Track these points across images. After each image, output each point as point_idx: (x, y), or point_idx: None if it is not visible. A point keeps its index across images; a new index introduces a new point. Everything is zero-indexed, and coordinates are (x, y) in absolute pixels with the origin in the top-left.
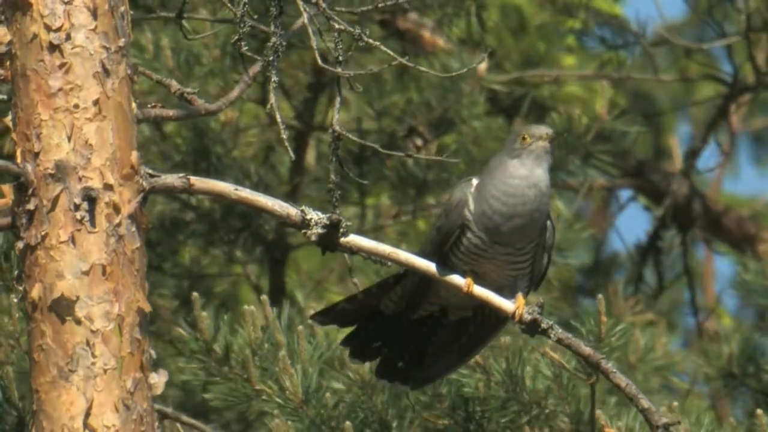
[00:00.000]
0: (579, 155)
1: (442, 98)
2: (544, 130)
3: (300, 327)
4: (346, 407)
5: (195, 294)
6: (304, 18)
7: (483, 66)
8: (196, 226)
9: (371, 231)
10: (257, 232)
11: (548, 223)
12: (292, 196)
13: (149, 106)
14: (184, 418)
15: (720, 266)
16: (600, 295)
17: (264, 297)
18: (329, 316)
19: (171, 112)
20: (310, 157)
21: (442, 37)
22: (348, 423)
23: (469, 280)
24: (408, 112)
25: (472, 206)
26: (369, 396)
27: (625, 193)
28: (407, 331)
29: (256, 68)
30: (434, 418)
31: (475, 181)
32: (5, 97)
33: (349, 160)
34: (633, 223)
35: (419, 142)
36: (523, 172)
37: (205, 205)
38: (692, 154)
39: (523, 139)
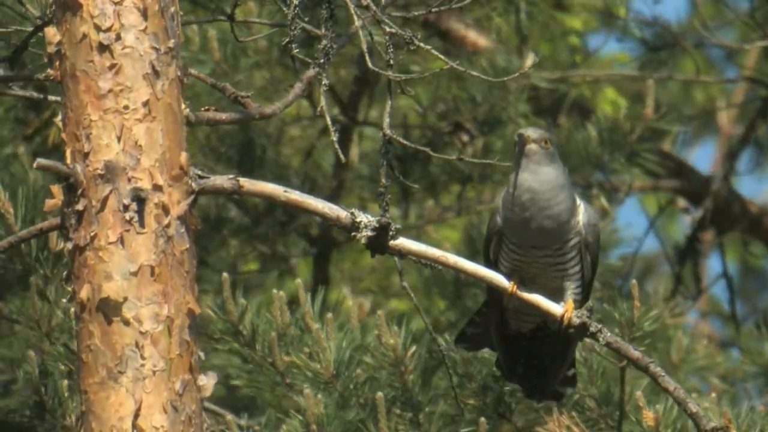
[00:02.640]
0: (624, 153)
1: (487, 94)
2: (517, 132)
3: (329, 315)
4: (376, 384)
5: (225, 275)
6: (357, 23)
7: (530, 61)
8: (240, 220)
9: (414, 230)
10: (301, 227)
11: (584, 220)
12: (336, 192)
13: (203, 109)
14: (206, 403)
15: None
16: (633, 280)
17: (299, 281)
18: (467, 341)
19: (224, 116)
20: (354, 153)
21: (484, 37)
22: (379, 394)
23: (512, 283)
24: (454, 108)
25: (500, 213)
26: (400, 375)
27: (622, 199)
28: (530, 346)
29: (311, 72)
30: (464, 397)
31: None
32: (58, 98)
33: (393, 156)
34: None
35: (465, 137)
36: (515, 179)
37: (249, 200)
38: (731, 156)
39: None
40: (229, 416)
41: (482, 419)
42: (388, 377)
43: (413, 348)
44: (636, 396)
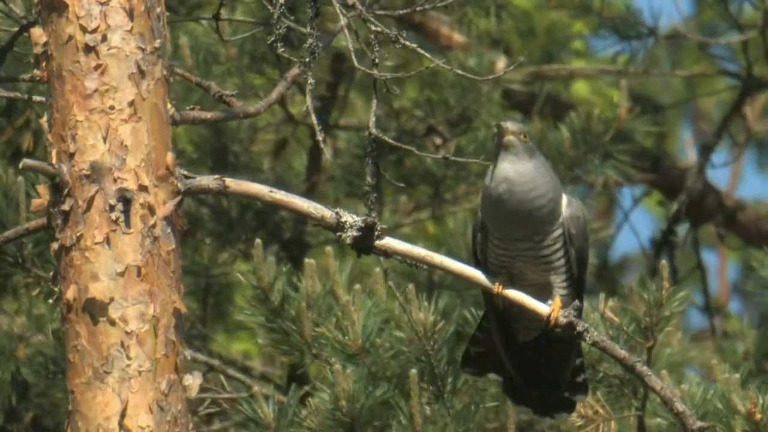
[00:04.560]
0: (597, 154)
1: (460, 97)
2: (497, 123)
3: (357, 286)
4: (404, 359)
5: (258, 241)
6: (342, 21)
7: (500, 64)
8: (212, 224)
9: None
10: (273, 230)
11: (566, 212)
12: (309, 194)
13: (188, 108)
14: (231, 371)
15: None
16: (663, 261)
17: (329, 248)
18: (473, 364)
19: (209, 115)
20: (327, 154)
21: (458, 32)
22: (413, 371)
23: (498, 282)
24: (427, 110)
25: (481, 208)
26: (428, 350)
27: (626, 192)
28: (533, 358)
29: (294, 71)
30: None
31: None
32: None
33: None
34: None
35: (438, 140)
36: (493, 171)
37: (221, 203)
38: (706, 150)
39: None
40: (255, 387)
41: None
42: (414, 351)
43: (441, 323)
44: (661, 375)
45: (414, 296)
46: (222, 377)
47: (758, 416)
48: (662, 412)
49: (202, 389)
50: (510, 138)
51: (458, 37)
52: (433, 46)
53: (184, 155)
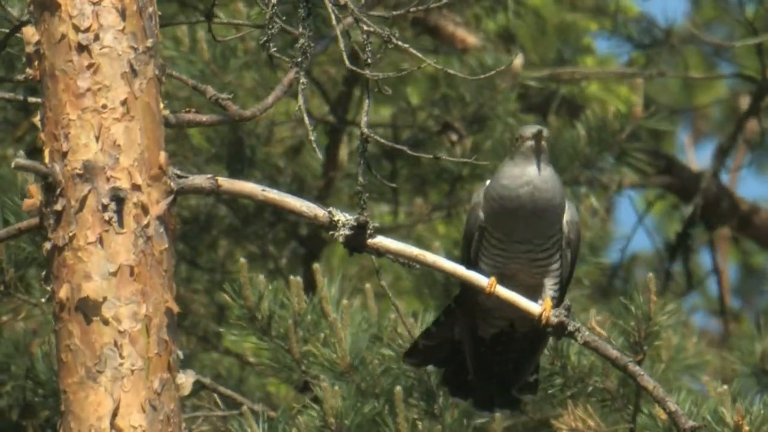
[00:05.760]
0: (613, 153)
1: (476, 94)
2: (530, 129)
3: (345, 301)
4: (392, 375)
5: (242, 260)
6: (334, 21)
7: (518, 62)
8: (229, 220)
9: (404, 228)
10: (290, 226)
11: (566, 217)
12: (325, 191)
13: (184, 111)
14: (222, 389)
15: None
16: (651, 273)
17: (316, 266)
18: (418, 356)
19: (205, 118)
20: (344, 152)
21: (473, 34)
22: (398, 388)
23: (492, 280)
24: (443, 107)
25: (483, 208)
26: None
27: (635, 195)
28: (488, 354)
29: (291, 74)
30: None
31: (488, 183)
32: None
33: (382, 155)
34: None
35: (454, 137)
36: (516, 172)
37: (238, 200)
38: (721, 153)
39: (517, 140)
40: (246, 404)
41: (497, 413)
42: (402, 367)
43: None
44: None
45: (400, 315)
46: (215, 395)
47: (746, 428)
48: (653, 427)
49: (195, 408)
50: (544, 144)
51: (473, 40)
52: (448, 49)
53: (202, 153)
